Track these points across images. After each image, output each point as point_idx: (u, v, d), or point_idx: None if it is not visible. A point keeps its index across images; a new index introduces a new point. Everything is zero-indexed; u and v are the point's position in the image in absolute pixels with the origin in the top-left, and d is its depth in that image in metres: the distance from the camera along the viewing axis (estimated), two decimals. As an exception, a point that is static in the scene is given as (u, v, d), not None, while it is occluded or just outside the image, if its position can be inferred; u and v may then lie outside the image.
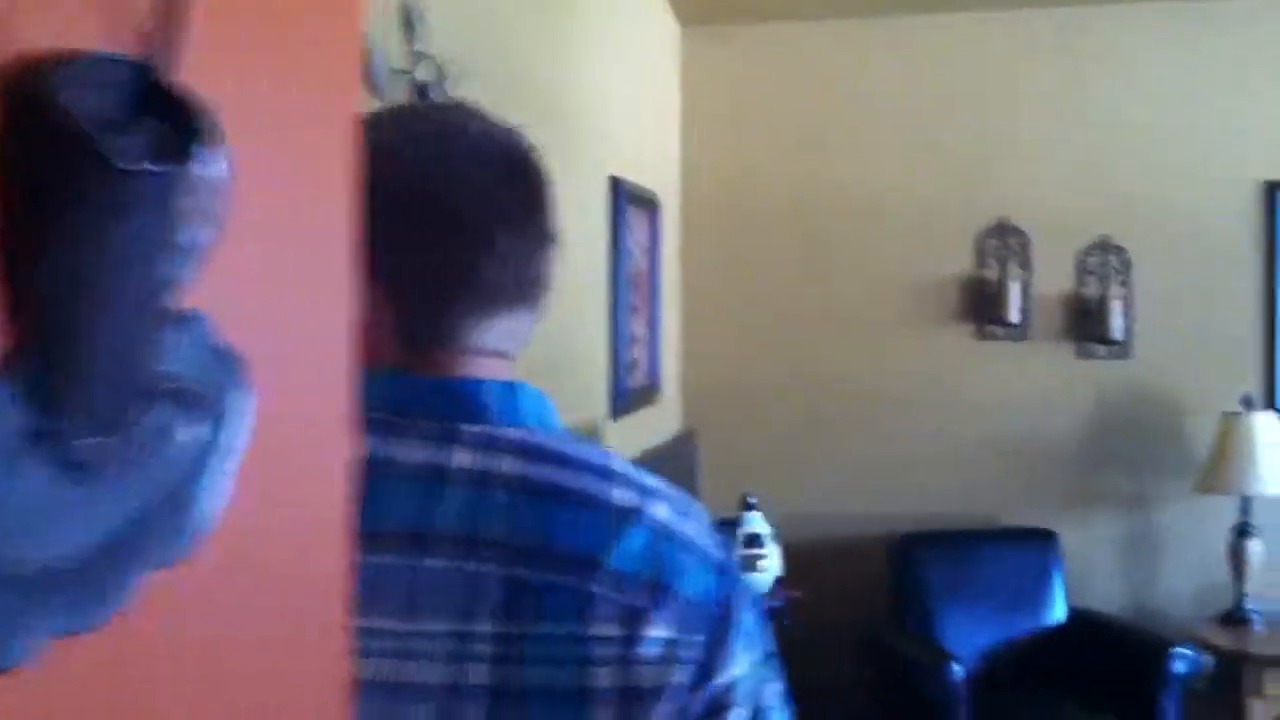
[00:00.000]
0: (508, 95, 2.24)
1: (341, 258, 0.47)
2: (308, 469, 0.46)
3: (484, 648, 0.67)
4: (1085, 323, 3.93)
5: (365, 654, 0.63)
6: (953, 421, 3.99)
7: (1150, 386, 3.90)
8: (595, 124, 2.95)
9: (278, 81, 0.41)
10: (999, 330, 3.98)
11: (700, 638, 0.69)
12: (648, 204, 3.53)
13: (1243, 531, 3.58)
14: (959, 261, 4.03)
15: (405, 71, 1.76)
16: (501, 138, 0.78)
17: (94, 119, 0.30)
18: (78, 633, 0.33)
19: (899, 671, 3.45)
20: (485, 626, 0.67)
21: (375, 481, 0.66)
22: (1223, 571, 3.66)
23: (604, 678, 0.67)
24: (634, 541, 0.70)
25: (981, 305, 3.98)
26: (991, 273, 3.99)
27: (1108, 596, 3.86)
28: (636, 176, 3.36)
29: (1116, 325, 3.86)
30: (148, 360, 0.34)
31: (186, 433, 0.36)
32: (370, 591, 0.59)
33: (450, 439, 0.71)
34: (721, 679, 0.70)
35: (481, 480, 0.70)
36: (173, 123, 0.33)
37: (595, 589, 0.68)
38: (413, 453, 0.71)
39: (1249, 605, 3.56)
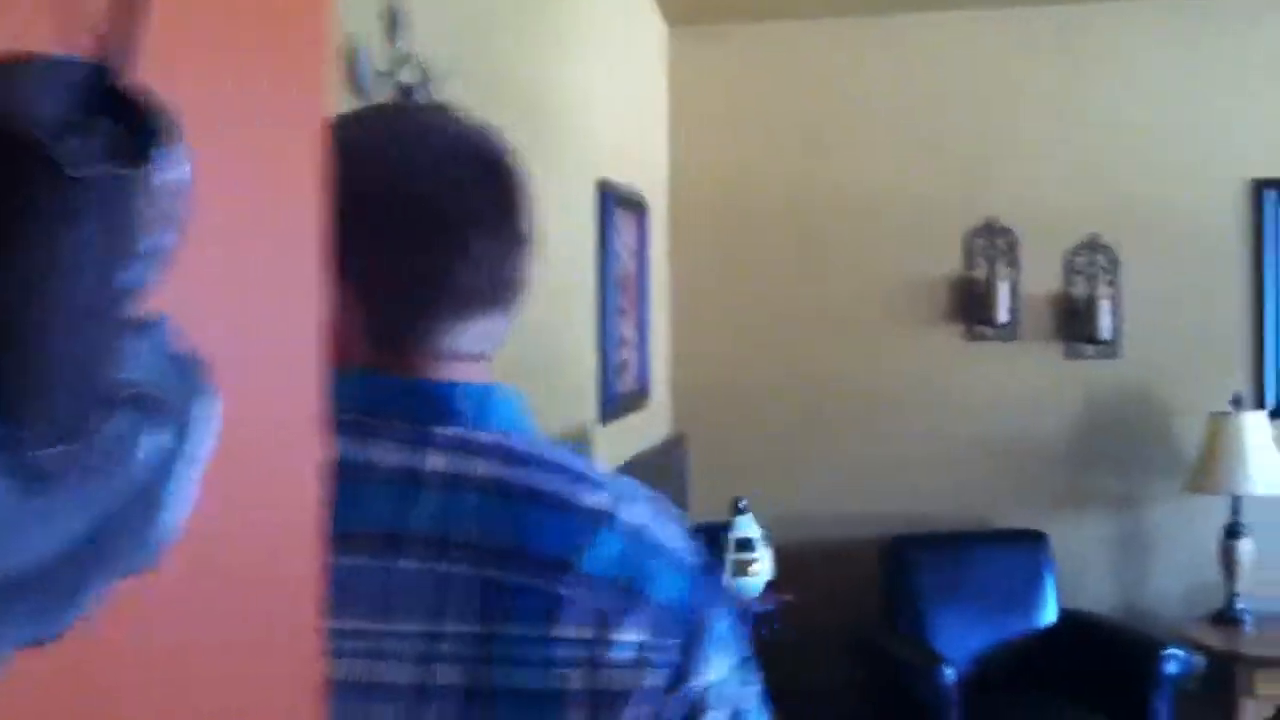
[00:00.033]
0: (493, 97, 2.23)
1: (310, 260, 0.46)
2: (277, 473, 0.45)
3: (454, 648, 0.67)
4: (1074, 323, 3.94)
5: (338, 654, 0.63)
6: (942, 422, 3.99)
7: (1139, 386, 3.91)
8: (582, 126, 2.95)
9: (242, 82, 0.40)
10: (988, 330, 3.99)
11: (673, 641, 0.69)
12: (636, 206, 3.52)
13: (1233, 531, 3.59)
14: (948, 262, 4.03)
15: (390, 73, 1.76)
16: (478, 139, 0.78)
17: (46, 123, 0.29)
18: (41, 643, 0.32)
19: (891, 674, 3.45)
20: (455, 627, 0.67)
21: (348, 483, 0.66)
22: (1213, 571, 3.67)
23: (573, 680, 0.66)
24: (606, 545, 0.69)
25: (970, 305, 3.99)
26: (980, 273, 4.00)
27: (1099, 597, 3.86)
28: (624, 178, 3.36)
29: (1105, 325, 3.87)
30: (108, 367, 0.34)
31: (150, 440, 0.35)
32: (343, 593, 0.59)
33: (424, 441, 0.71)
34: (696, 683, 0.69)
35: (455, 483, 0.70)
36: (130, 125, 0.32)
37: (565, 591, 0.67)
38: (386, 455, 0.70)
39: (1240, 605, 3.57)
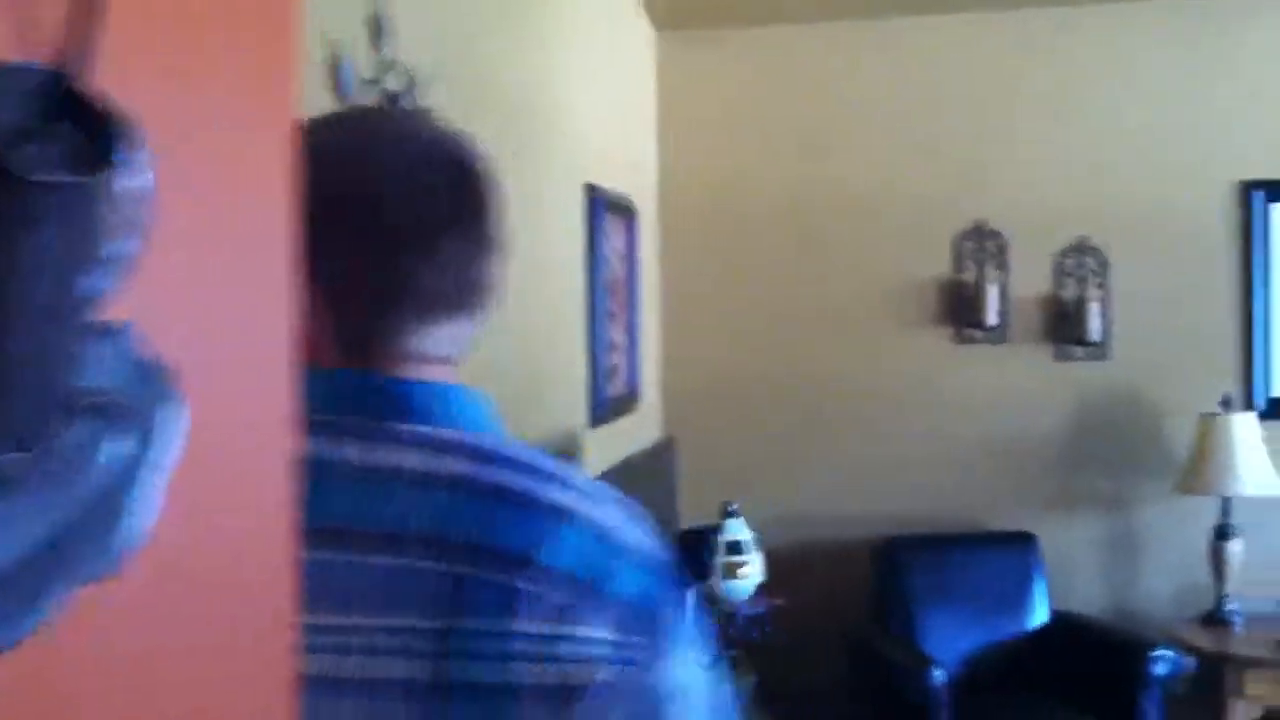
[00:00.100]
0: (479, 103, 2.23)
1: (279, 264, 0.46)
2: (247, 478, 0.45)
3: (417, 644, 0.67)
4: (1063, 325, 3.95)
5: (305, 649, 0.63)
6: (933, 425, 4.00)
7: (1129, 388, 3.92)
8: (570, 131, 2.95)
9: (207, 87, 0.40)
10: (977, 333, 3.99)
11: (635, 638, 0.69)
12: (624, 211, 3.53)
13: (1222, 532, 3.60)
14: (937, 264, 4.04)
15: (375, 80, 1.76)
16: (448, 145, 0.79)
17: (2, 129, 0.29)
18: (0, 650, 0.32)
19: (881, 675, 3.45)
20: (418, 622, 0.67)
21: (313, 480, 0.66)
22: (1203, 572, 3.68)
23: (530, 674, 0.66)
24: (568, 541, 0.70)
25: (959, 308, 4.00)
26: (969, 275, 4.01)
27: (1089, 598, 3.87)
28: (612, 183, 3.36)
29: (1094, 327, 3.88)
30: (69, 374, 0.34)
31: (112, 447, 0.35)
32: (310, 588, 0.60)
33: (391, 439, 0.72)
34: (656, 680, 0.69)
35: (422, 480, 0.70)
36: (89, 132, 0.32)
37: (523, 585, 0.67)
38: (351, 452, 0.71)
39: (1229, 606, 3.58)
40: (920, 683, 3.15)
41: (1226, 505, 3.60)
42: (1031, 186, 3.99)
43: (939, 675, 3.15)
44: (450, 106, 1.98)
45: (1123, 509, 3.92)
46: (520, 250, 2.53)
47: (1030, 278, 3.99)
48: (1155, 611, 3.82)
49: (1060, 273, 3.98)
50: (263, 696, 0.46)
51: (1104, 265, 3.95)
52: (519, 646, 0.67)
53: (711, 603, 3.23)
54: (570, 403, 2.92)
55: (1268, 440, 3.60)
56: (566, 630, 0.67)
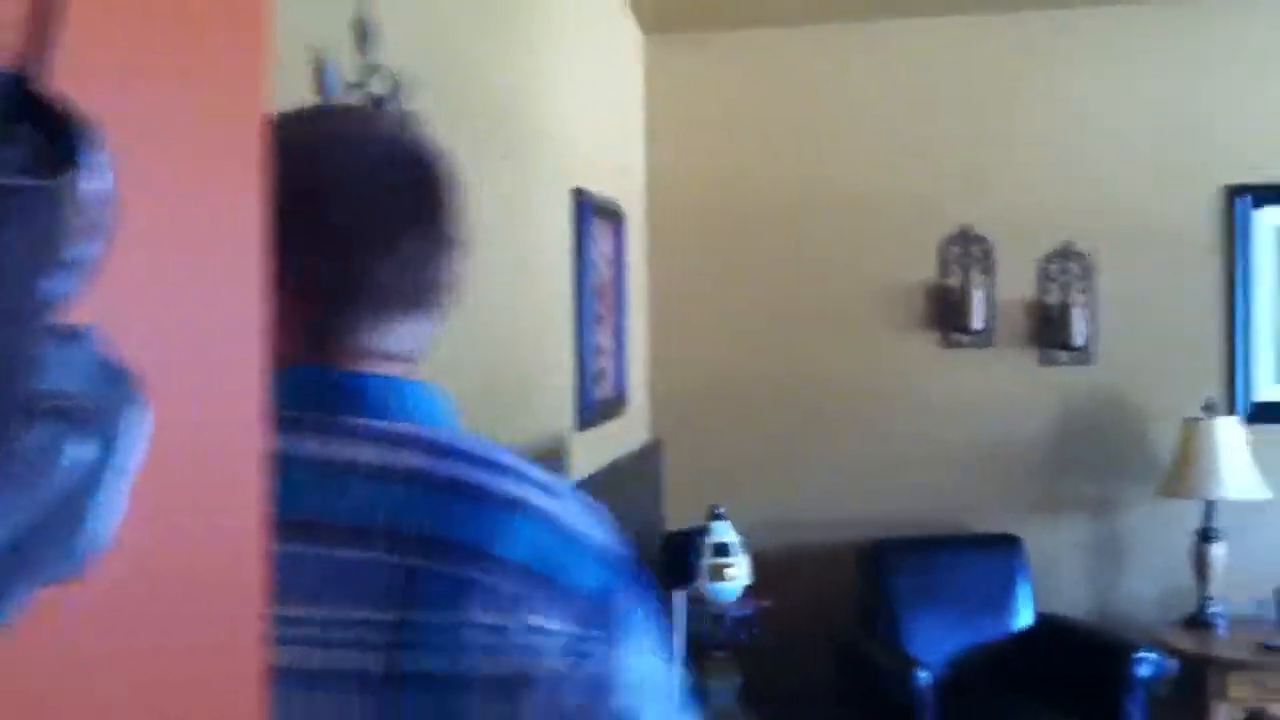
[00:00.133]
0: (467, 108, 2.23)
1: (249, 265, 0.46)
2: (216, 480, 0.45)
3: (367, 635, 0.67)
4: (1048, 329, 3.97)
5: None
6: (919, 429, 4.01)
7: (1113, 392, 3.94)
8: (557, 135, 2.95)
9: (172, 87, 0.40)
10: (963, 338, 4.01)
11: (589, 631, 0.69)
12: (612, 215, 3.53)
13: (1206, 536, 3.62)
14: (923, 269, 4.05)
15: (360, 84, 1.76)
16: (409, 144, 0.79)
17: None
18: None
19: (867, 677, 3.46)
20: (370, 614, 0.67)
21: (280, 475, 0.67)
22: (1186, 575, 3.69)
23: (482, 665, 0.67)
24: (523, 533, 0.70)
25: (945, 313, 4.01)
26: (955, 280, 4.02)
27: (1073, 601, 3.88)
28: (600, 187, 3.36)
29: (1079, 332, 3.90)
30: (30, 376, 0.34)
31: (75, 450, 0.35)
32: (278, 580, 0.60)
33: (345, 433, 0.72)
34: (608, 672, 0.69)
35: (379, 474, 0.71)
36: (50, 134, 0.32)
37: (476, 575, 0.68)
38: (311, 446, 0.71)
39: (1212, 609, 3.59)
40: (905, 684, 3.16)
41: (1210, 509, 3.62)
42: (1017, 192, 4.00)
43: (924, 677, 3.16)
44: (436, 110, 1.98)
45: (1107, 512, 3.93)
46: (508, 254, 2.54)
47: (1016, 282, 4.01)
48: (1139, 614, 3.83)
49: (1045, 278, 4.00)
50: (232, 696, 0.46)
51: (1089, 270, 3.97)
52: (472, 637, 0.67)
53: (698, 604, 3.23)
54: (558, 406, 2.92)
55: (1251, 444, 3.62)
56: (520, 621, 0.68)
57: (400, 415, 0.75)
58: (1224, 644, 3.47)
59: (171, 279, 0.42)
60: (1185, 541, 3.69)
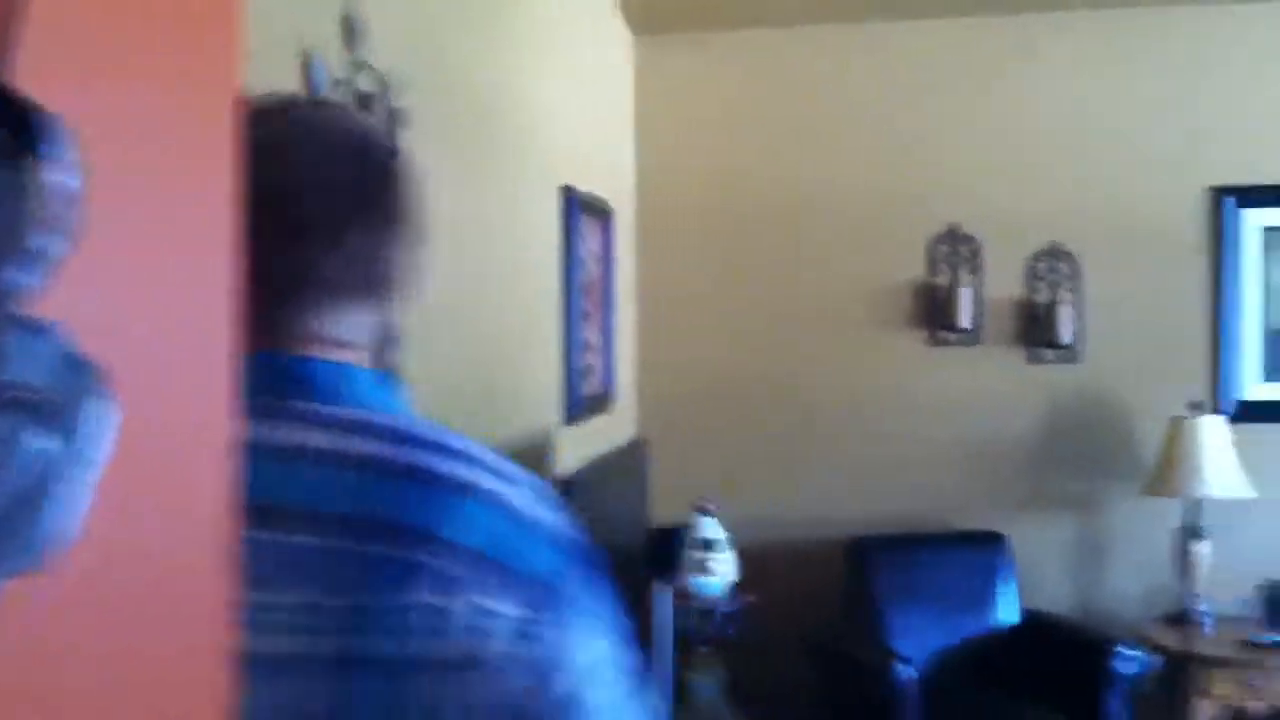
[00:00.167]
0: (455, 106, 2.23)
1: (219, 260, 0.46)
2: (183, 475, 0.45)
3: (317, 620, 0.67)
4: (1035, 328, 3.98)
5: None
6: (906, 426, 4.02)
7: (1099, 391, 3.95)
8: (545, 133, 2.95)
9: (140, 81, 0.40)
10: (951, 336, 4.02)
11: (539, 614, 0.69)
12: (601, 212, 3.53)
13: (1190, 534, 3.64)
14: (911, 268, 4.06)
15: (347, 81, 1.75)
16: (362, 137, 0.80)
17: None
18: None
19: (851, 674, 3.46)
20: (320, 599, 0.67)
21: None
22: (1170, 573, 3.71)
23: (431, 648, 0.67)
24: (473, 516, 0.70)
25: (933, 311, 4.02)
26: (943, 279, 4.03)
27: (1057, 598, 3.90)
28: (589, 185, 3.36)
29: (1066, 330, 3.91)
30: (-10, 368, 0.34)
31: (35, 443, 0.35)
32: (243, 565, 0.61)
33: (294, 418, 0.72)
34: (559, 656, 0.69)
35: (331, 460, 0.71)
36: (11, 127, 0.32)
37: (425, 559, 0.68)
38: (259, 431, 0.71)
39: (1196, 606, 3.61)
40: (888, 680, 3.17)
41: (1194, 507, 3.63)
42: (1005, 191, 4.01)
43: (906, 672, 3.17)
44: (424, 108, 1.98)
45: (1092, 510, 3.95)
46: (496, 250, 2.54)
47: (1003, 281, 4.02)
48: (1122, 611, 3.85)
49: (1033, 276, 4.01)
50: (197, 688, 0.47)
51: (1076, 269, 3.98)
52: (420, 620, 0.67)
53: (683, 599, 3.24)
54: (545, 401, 2.92)
55: (1236, 443, 3.64)
56: (469, 604, 0.68)
57: (351, 401, 0.75)
58: (1207, 641, 3.49)
59: (140, 274, 0.42)
60: (1170, 539, 3.71)
